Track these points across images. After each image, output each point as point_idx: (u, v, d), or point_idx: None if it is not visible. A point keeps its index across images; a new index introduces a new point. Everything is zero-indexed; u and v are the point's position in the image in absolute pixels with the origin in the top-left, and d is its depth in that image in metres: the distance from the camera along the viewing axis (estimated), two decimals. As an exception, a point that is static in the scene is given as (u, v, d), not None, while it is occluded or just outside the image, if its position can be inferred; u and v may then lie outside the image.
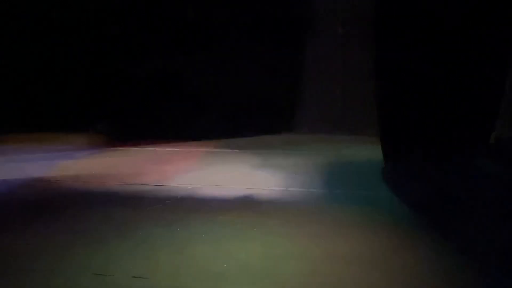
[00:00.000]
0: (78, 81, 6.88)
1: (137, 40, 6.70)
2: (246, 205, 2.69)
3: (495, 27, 3.34)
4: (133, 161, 4.17)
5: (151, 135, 6.15)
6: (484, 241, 2.10)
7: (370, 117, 6.15)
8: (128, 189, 3.12)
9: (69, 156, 4.45)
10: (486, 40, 3.35)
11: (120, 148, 5.02)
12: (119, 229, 2.27)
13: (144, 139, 5.84)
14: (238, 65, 6.61)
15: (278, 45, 6.52)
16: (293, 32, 6.52)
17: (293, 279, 1.73)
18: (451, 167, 3.39)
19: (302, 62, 6.60)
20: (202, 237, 2.16)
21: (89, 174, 3.60)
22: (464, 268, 1.83)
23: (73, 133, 6.32)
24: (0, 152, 4.53)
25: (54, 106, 7.16)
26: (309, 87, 6.59)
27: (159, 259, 1.91)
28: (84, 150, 4.89)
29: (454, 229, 2.26)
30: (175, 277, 1.75)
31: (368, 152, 4.61)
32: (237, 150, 4.76)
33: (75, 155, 4.52)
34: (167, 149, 4.93)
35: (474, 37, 3.37)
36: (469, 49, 3.39)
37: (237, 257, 1.93)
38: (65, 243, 2.09)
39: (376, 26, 3.53)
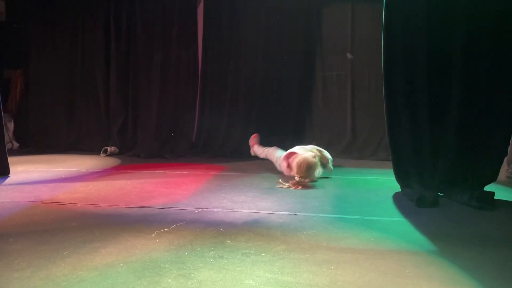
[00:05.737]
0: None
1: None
2: (255, 229, 2.67)
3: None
4: (142, 183, 4.18)
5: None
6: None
7: (379, 142, 6.17)
8: (136, 212, 3.12)
9: (79, 179, 4.49)
10: (497, 65, 3.37)
11: (130, 171, 5.04)
12: (127, 253, 2.26)
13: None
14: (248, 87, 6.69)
15: (289, 72, 6.60)
16: (305, 60, 6.61)
17: (302, 306, 1.70)
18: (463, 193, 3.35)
19: (312, 87, 6.66)
20: (210, 262, 2.14)
21: (98, 196, 3.62)
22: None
23: (84, 155, 6.41)
24: (11, 173, 4.59)
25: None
26: (319, 111, 6.63)
27: (166, 284, 1.89)
28: (94, 172, 4.93)
29: (467, 255, 2.21)
30: (183, 303, 1.73)
31: (378, 176, 4.59)
32: (246, 174, 4.76)
33: (85, 178, 4.55)
34: (176, 172, 4.94)
35: (483, 65, 3.39)
36: (479, 78, 3.41)
37: (245, 283, 1.90)
38: (72, 266, 2.08)
39: (385, 52, 3.56)
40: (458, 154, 3.47)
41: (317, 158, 4.26)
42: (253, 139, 5.52)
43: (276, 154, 4.77)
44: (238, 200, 3.48)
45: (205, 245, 2.38)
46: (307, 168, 4.03)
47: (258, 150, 5.30)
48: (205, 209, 3.18)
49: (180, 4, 6.71)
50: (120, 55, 6.99)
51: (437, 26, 3.48)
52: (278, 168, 4.61)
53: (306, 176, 4.04)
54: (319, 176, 4.30)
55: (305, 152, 4.24)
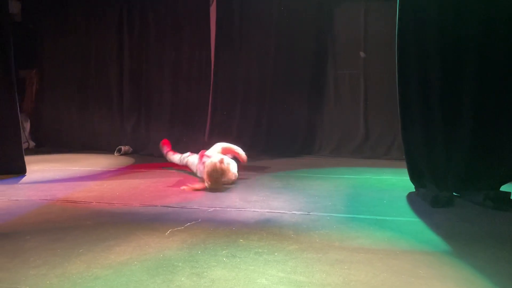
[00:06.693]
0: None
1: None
2: (267, 229, 2.67)
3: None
4: (155, 182, 4.22)
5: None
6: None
7: (393, 141, 6.12)
8: (150, 211, 3.15)
9: (94, 177, 4.54)
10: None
11: (143, 170, 5.09)
12: (141, 251, 2.29)
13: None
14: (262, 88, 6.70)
15: (301, 71, 6.58)
16: (317, 59, 6.59)
17: (314, 306, 1.70)
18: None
19: (324, 86, 6.63)
20: (223, 260, 2.15)
21: (112, 195, 3.66)
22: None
23: (98, 154, 6.48)
24: (28, 172, 4.66)
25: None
26: (331, 110, 6.60)
27: (180, 282, 1.91)
28: (109, 171, 4.98)
29: (482, 256, 2.19)
30: (196, 301, 1.74)
31: (391, 176, 4.56)
32: (258, 173, 4.76)
33: (100, 177, 4.60)
34: (189, 170, 4.96)
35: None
36: (494, 76, 3.37)
37: (258, 282, 1.91)
38: (87, 264, 2.11)
39: (399, 51, 3.53)
40: (473, 153, 3.42)
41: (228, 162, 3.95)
42: (165, 145, 5.11)
43: (195, 163, 4.40)
44: (251, 199, 3.49)
45: (218, 244, 2.39)
46: (217, 176, 3.83)
47: (174, 157, 4.89)
48: (218, 208, 3.19)
49: (193, 4, 6.74)
50: (133, 55, 7.06)
51: (451, 25, 3.44)
52: (199, 175, 4.26)
53: (216, 184, 3.84)
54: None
55: (217, 156, 3.97)
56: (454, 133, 3.48)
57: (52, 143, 7.35)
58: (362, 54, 6.38)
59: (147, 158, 6.26)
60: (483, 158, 3.41)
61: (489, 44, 3.35)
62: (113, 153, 6.54)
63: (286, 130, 6.56)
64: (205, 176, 3.88)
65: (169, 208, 3.23)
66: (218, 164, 3.82)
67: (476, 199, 3.28)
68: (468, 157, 3.43)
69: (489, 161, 3.41)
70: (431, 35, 3.49)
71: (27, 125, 7.51)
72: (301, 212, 3.07)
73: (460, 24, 3.42)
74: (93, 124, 7.39)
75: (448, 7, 3.44)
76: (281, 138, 6.54)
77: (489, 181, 3.40)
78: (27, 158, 4.79)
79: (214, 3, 6.80)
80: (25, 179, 4.45)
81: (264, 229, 2.66)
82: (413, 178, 3.63)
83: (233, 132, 6.67)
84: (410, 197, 3.54)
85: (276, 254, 2.24)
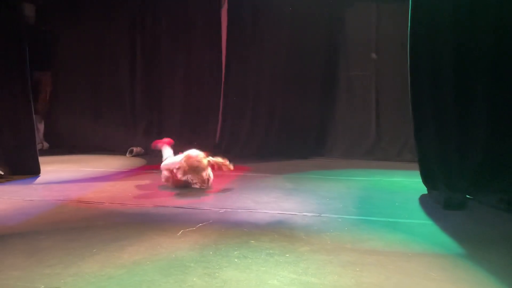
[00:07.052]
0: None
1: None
2: (278, 230, 2.67)
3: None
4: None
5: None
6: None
7: (405, 143, 6.07)
8: (162, 211, 3.17)
9: (106, 178, 4.59)
10: None
11: (155, 171, 5.12)
12: (153, 251, 2.31)
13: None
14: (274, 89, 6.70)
15: (312, 73, 6.57)
16: (328, 61, 6.57)
17: (326, 307, 1.70)
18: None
19: (335, 88, 6.61)
20: (234, 261, 2.16)
21: (125, 196, 3.69)
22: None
23: (111, 155, 6.54)
24: (42, 173, 4.73)
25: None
26: (342, 111, 6.58)
27: (192, 283, 1.92)
28: (121, 172, 5.03)
29: (496, 259, 2.16)
30: (208, 301, 1.75)
31: (403, 178, 4.52)
32: (269, 174, 4.76)
33: (113, 177, 4.65)
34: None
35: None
36: (507, 76, 3.33)
37: (269, 283, 1.91)
38: (100, 263, 2.14)
39: (411, 52, 3.51)
40: (486, 155, 3.38)
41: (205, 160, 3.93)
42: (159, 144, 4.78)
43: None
44: (262, 200, 3.49)
45: (229, 245, 2.40)
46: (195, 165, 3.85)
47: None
48: (229, 209, 3.20)
49: (204, 6, 6.79)
50: (145, 58, 7.13)
51: (464, 25, 3.41)
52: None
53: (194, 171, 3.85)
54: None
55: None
56: (468, 135, 3.45)
57: (65, 144, 7.43)
58: (373, 55, 6.35)
59: (159, 159, 6.28)
60: (497, 160, 3.37)
61: (503, 43, 3.32)
62: (125, 154, 6.59)
63: (297, 132, 6.54)
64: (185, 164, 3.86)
65: (181, 209, 3.25)
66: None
67: (490, 201, 3.24)
68: (482, 159, 3.40)
69: (503, 163, 3.37)
70: (443, 36, 3.46)
71: (42, 127, 7.61)
72: (312, 214, 3.07)
73: (474, 24, 3.39)
74: (105, 125, 7.46)
75: (462, 7, 3.41)
76: (292, 140, 6.53)
77: (503, 183, 3.36)
78: (41, 159, 4.85)
79: (225, 5, 6.83)
80: (39, 179, 4.51)
81: (275, 231, 2.66)
82: (426, 180, 3.60)
83: (244, 134, 6.69)
84: (423, 199, 3.52)
85: (287, 255, 2.24)
